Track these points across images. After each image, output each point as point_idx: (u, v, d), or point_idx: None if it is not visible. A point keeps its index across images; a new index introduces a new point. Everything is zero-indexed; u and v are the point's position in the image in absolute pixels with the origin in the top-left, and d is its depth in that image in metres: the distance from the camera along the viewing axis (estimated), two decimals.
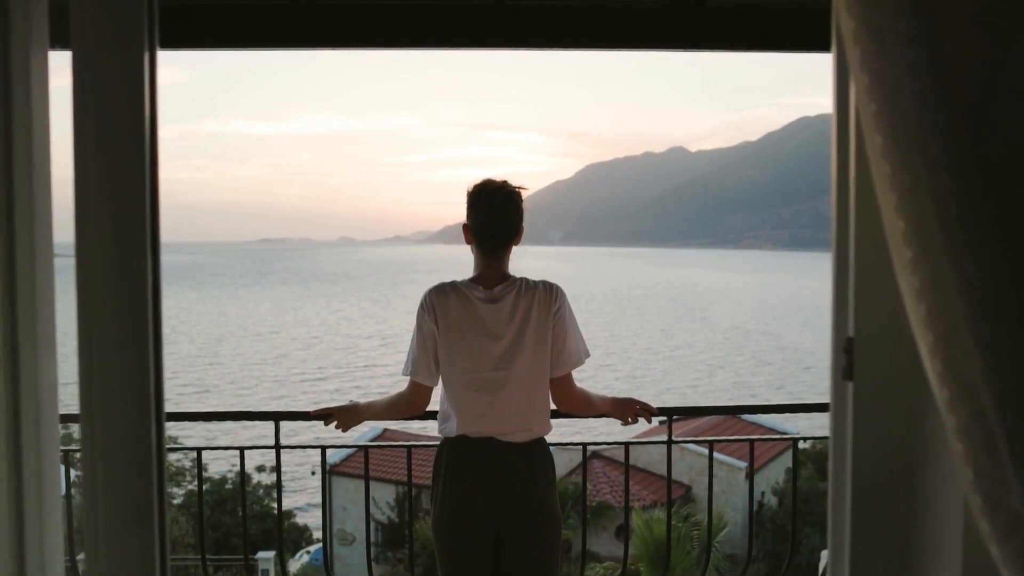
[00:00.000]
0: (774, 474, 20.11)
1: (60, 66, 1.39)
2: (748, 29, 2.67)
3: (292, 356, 59.97)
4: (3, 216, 1.31)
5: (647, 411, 3.13)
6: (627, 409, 3.11)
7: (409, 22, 2.58)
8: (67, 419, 1.47)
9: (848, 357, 1.40)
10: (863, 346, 1.39)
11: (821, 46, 2.66)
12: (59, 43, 1.34)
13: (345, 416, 3.05)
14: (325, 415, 3.06)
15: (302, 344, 64.98)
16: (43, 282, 1.35)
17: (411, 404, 2.99)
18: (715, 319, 79.90)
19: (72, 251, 1.37)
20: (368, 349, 63.50)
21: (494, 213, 2.88)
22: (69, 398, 1.39)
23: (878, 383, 1.38)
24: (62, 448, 3.40)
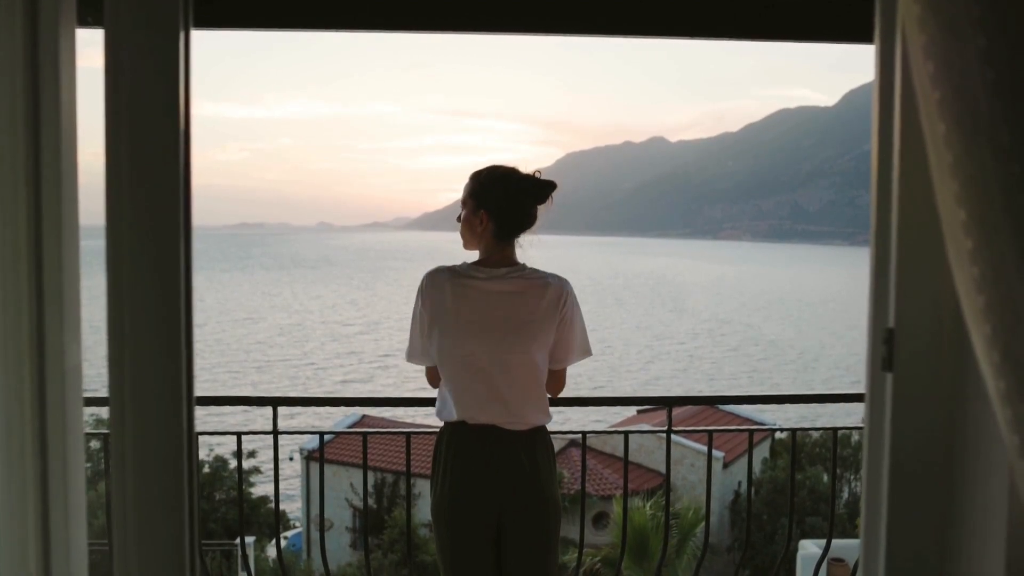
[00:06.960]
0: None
1: (87, 45, 1.35)
2: (763, 17, 2.65)
3: (273, 342, 59.62)
4: (30, 199, 1.28)
5: None
6: None
7: (417, 6, 2.54)
8: (94, 402, 1.45)
9: (888, 348, 1.39)
10: (904, 337, 1.38)
11: (833, 36, 2.66)
12: (90, 20, 1.30)
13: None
14: None
15: (282, 330, 64.63)
16: (69, 265, 1.32)
17: (432, 381, 2.98)
18: (696, 309, 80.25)
19: (101, 235, 1.34)
20: (349, 336, 63.14)
21: (526, 200, 2.85)
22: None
23: (918, 374, 1.37)
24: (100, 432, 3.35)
